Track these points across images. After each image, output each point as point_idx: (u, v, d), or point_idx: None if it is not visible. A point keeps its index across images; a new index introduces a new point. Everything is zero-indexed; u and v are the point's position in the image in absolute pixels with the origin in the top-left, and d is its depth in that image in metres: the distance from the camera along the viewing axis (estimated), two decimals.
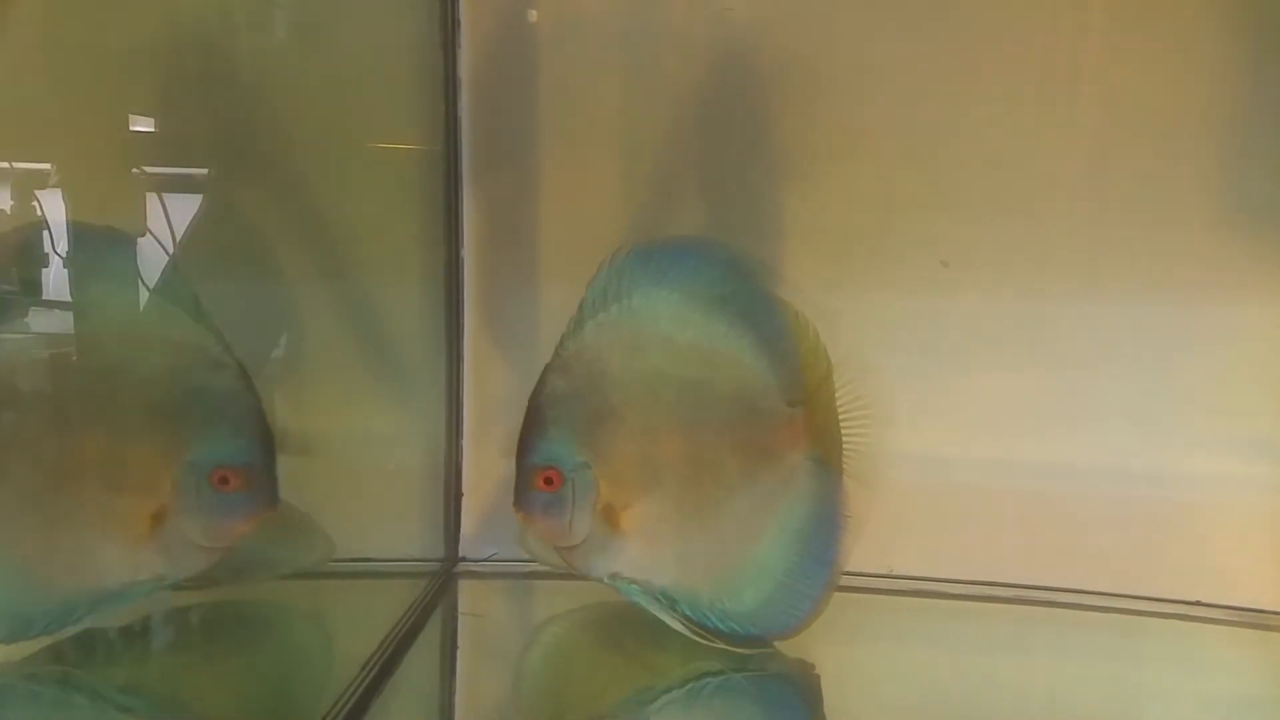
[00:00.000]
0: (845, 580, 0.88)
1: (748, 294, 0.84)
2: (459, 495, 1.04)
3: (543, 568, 1.00)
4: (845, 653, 0.89)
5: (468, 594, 1.01)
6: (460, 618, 0.97)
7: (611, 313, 0.81)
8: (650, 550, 0.81)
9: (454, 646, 0.93)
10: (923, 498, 0.96)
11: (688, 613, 0.82)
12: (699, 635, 0.82)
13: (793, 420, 0.84)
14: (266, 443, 0.79)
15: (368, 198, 0.98)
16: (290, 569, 0.88)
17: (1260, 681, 0.92)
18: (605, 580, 0.83)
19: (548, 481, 0.80)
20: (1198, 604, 0.98)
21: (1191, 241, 0.97)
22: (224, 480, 0.76)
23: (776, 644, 0.84)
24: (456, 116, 1.01)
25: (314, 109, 0.95)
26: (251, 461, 0.78)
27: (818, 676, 0.85)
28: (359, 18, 0.99)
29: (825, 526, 0.84)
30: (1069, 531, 0.99)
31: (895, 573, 1.00)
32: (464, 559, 1.05)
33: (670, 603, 0.82)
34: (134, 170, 0.84)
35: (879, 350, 0.88)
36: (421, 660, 0.86)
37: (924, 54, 0.98)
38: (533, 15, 1.01)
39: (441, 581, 1.01)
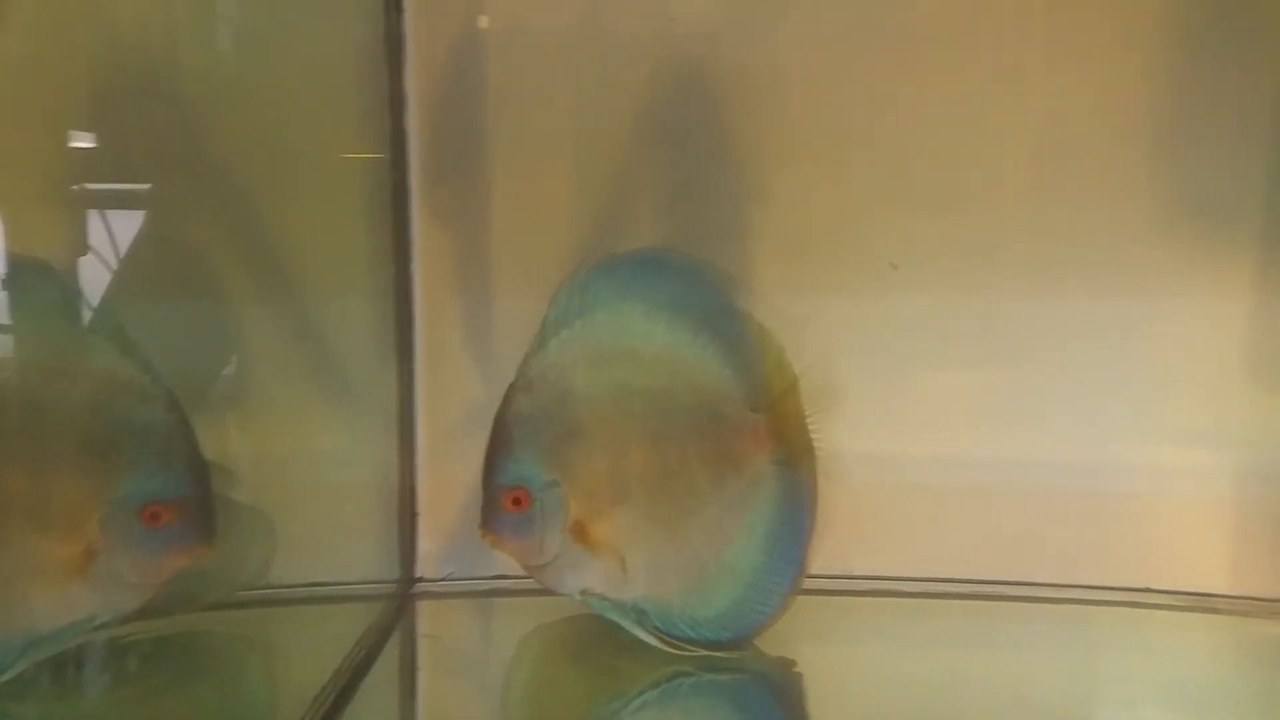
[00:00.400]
0: (804, 583, 0.89)
1: (709, 302, 0.85)
2: (414, 514, 1.03)
3: (503, 585, 1.01)
4: (808, 655, 0.89)
5: (427, 615, 1.00)
6: (420, 639, 0.95)
7: (575, 329, 0.81)
8: (618, 564, 0.82)
9: (414, 669, 0.91)
10: (878, 497, 0.96)
11: (658, 624, 0.82)
12: (671, 646, 0.82)
13: (757, 425, 0.85)
14: (200, 474, 0.77)
15: (313, 213, 0.96)
16: (235, 583, 0.85)
17: (1210, 663, 0.94)
18: (577, 596, 0.83)
19: (516, 502, 0.79)
20: (1147, 590, 1.00)
21: (1135, 237, 0.99)
22: (155, 515, 0.74)
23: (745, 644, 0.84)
24: (403, 129, 0.99)
25: (255, 123, 0.92)
26: (185, 494, 0.75)
27: (799, 675, 0.86)
28: (301, 31, 0.97)
29: (791, 527, 0.86)
30: (1022, 525, 1.01)
31: (853, 573, 1.00)
32: (421, 579, 1.03)
33: (641, 615, 0.83)
34: (66, 189, 0.81)
35: (832, 353, 0.88)
36: (380, 686, 0.84)
37: (871, 59, 0.99)
38: (482, 22, 1.00)
39: (398, 604, 0.99)
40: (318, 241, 0.96)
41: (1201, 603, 0.99)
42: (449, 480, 1.02)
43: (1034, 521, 1.00)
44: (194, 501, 0.76)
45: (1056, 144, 0.99)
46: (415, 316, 1.01)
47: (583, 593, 0.82)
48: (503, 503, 0.79)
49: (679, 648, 0.82)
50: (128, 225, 0.83)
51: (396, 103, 0.99)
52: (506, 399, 0.81)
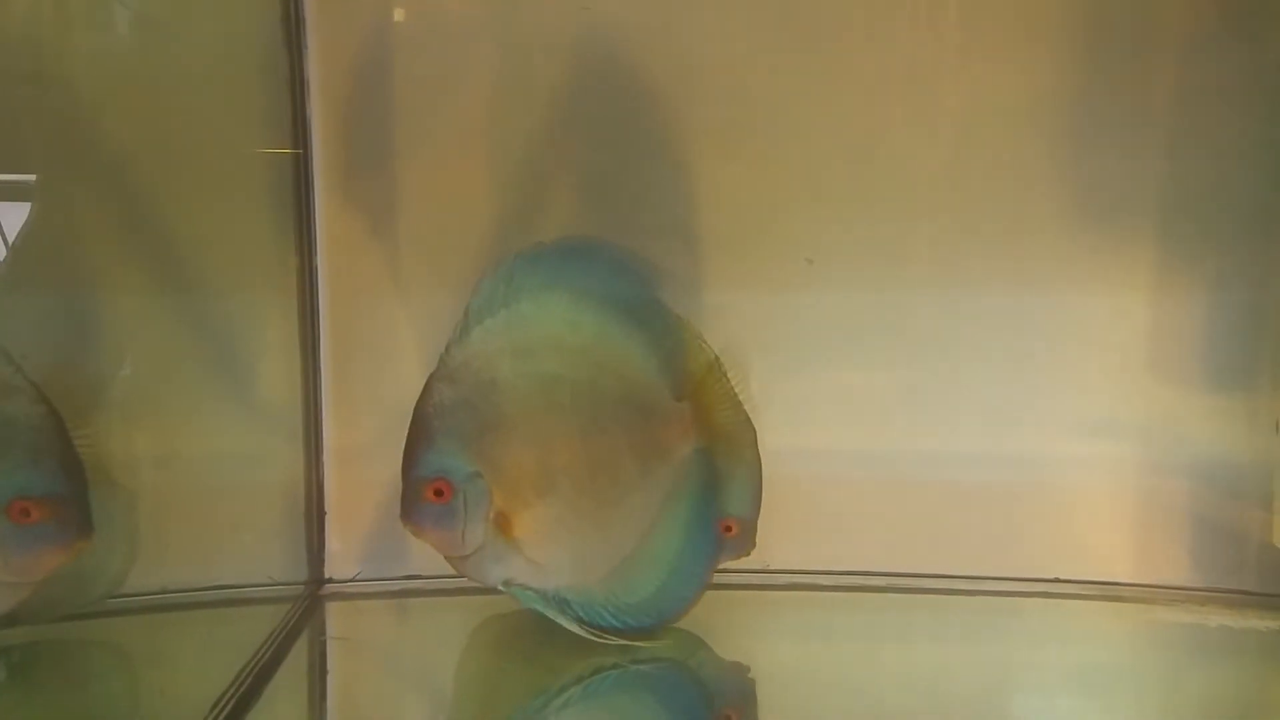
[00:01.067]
0: (722, 578, 0.90)
1: (634, 292, 0.85)
2: (321, 514, 1.00)
3: (415, 585, 1.00)
4: (726, 649, 0.89)
5: (336, 616, 0.97)
6: (329, 642, 0.93)
7: (500, 318, 0.80)
8: (544, 554, 0.81)
9: (323, 672, 0.89)
10: (794, 491, 0.96)
11: (581, 614, 0.82)
12: (594, 635, 0.82)
13: (681, 414, 0.86)
14: (73, 469, 0.73)
15: (213, 206, 0.93)
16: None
17: (1117, 649, 0.96)
18: (500, 587, 0.82)
19: (438, 493, 0.78)
20: (1056, 580, 1.01)
21: (1040, 234, 1.00)
22: (25, 512, 0.71)
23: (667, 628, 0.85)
24: (306, 118, 0.97)
25: (148, 112, 0.89)
26: (56, 490, 0.72)
27: (720, 667, 0.87)
28: (198, 19, 0.94)
29: (710, 511, 0.87)
30: (935, 518, 1.02)
31: (771, 568, 1.00)
32: (330, 580, 1.01)
33: (564, 604, 0.82)
34: None
35: (747, 347, 0.89)
36: (287, 690, 0.82)
37: (787, 53, 0.99)
38: (389, 10, 0.98)
39: (306, 605, 0.96)
40: (217, 235, 0.93)
41: (1108, 591, 1.01)
42: (358, 479, 1.00)
43: (946, 514, 1.02)
44: (67, 498, 0.73)
45: (967, 143, 1.00)
46: (320, 311, 0.99)
47: (505, 584, 0.81)
48: (424, 494, 0.78)
49: (603, 636, 0.82)
50: (9, 216, 0.79)
51: (298, 93, 0.96)
52: (427, 389, 0.79)
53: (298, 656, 0.87)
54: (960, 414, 1.02)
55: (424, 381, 0.96)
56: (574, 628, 0.82)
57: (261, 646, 0.85)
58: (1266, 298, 0.99)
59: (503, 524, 0.79)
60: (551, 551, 0.81)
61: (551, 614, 0.81)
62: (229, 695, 0.76)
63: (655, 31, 0.99)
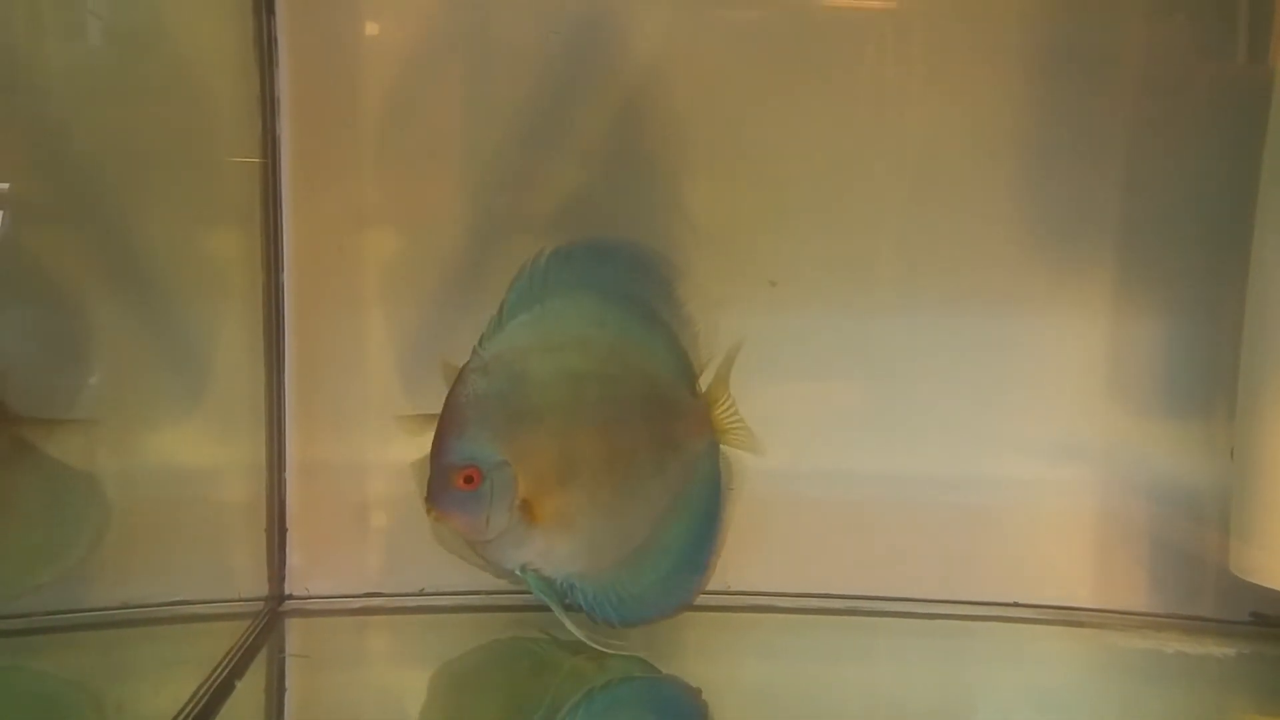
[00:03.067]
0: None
1: (657, 290, 0.89)
2: (283, 529, 1.00)
3: (375, 603, 1.00)
4: (686, 671, 0.90)
5: (296, 634, 0.97)
6: (288, 660, 0.92)
7: (533, 313, 0.83)
8: (561, 541, 0.84)
9: (281, 690, 0.88)
10: (754, 512, 0.96)
11: (585, 600, 0.86)
12: (592, 637, 0.85)
13: (697, 409, 0.90)
14: None
15: (174, 216, 0.93)
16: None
17: (1074, 674, 0.97)
18: (517, 572, 0.84)
19: (467, 480, 0.80)
20: (1015, 605, 1.02)
21: (1001, 258, 1.01)
22: None
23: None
24: (275, 129, 0.97)
25: (115, 121, 0.89)
26: None
27: (684, 690, 0.87)
28: (168, 28, 0.94)
29: (716, 504, 0.91)
30: (894, 540, 1.02)
31: (730, 589, 1.00)
32: (290, 596, 1.00)
33: (571, 589, 0.86)
34: None
35: (711, 369, 0.91)
36: (244, 708, 0.81)
37: (753, 75, 1.00)
38: (359, 23, 0.99)
39: (265, 622, 0.95)
40: (181, 246, 0.94)
41: (1067, 616, 1.01)
42: (321, 494, 1.00)
43: (904, 537, 1.02)
44: None
45: (930, 166, 1.01)
46: (285, 324, 0.99)
47: (522, 568, 0.84)
48: (453, 480, 0.80)
49: (596, 640, 0.85)
50: None
51: (268, 104, 0.96)
52: (461, 379, 0.82)
53: (256, 674, 0.86)
54: (920, 437, 1.02)
55: (389, 396, 0.99)
56: (571, 627, 0.85)
57: (220, 663, 0.84)
58: (1223, 324, 0.99)
59: (526, 511, 0.82)
60: (568, 538, 0.84)
61: (554, 607, 0.85)
62: (186, 712, 0.75)
63: (623, 54, 0.99)
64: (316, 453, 1.00)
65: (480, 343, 0.82)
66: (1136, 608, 1.01)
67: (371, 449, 1.00)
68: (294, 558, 1.00)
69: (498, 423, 0.82)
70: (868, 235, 1.02)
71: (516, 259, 0.96)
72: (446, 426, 0.82)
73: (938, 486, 1.02)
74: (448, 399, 0.82)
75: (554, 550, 0.84)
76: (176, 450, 0.94)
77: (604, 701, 0.84)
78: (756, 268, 1.01)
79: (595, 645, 0.85)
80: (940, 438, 1.02)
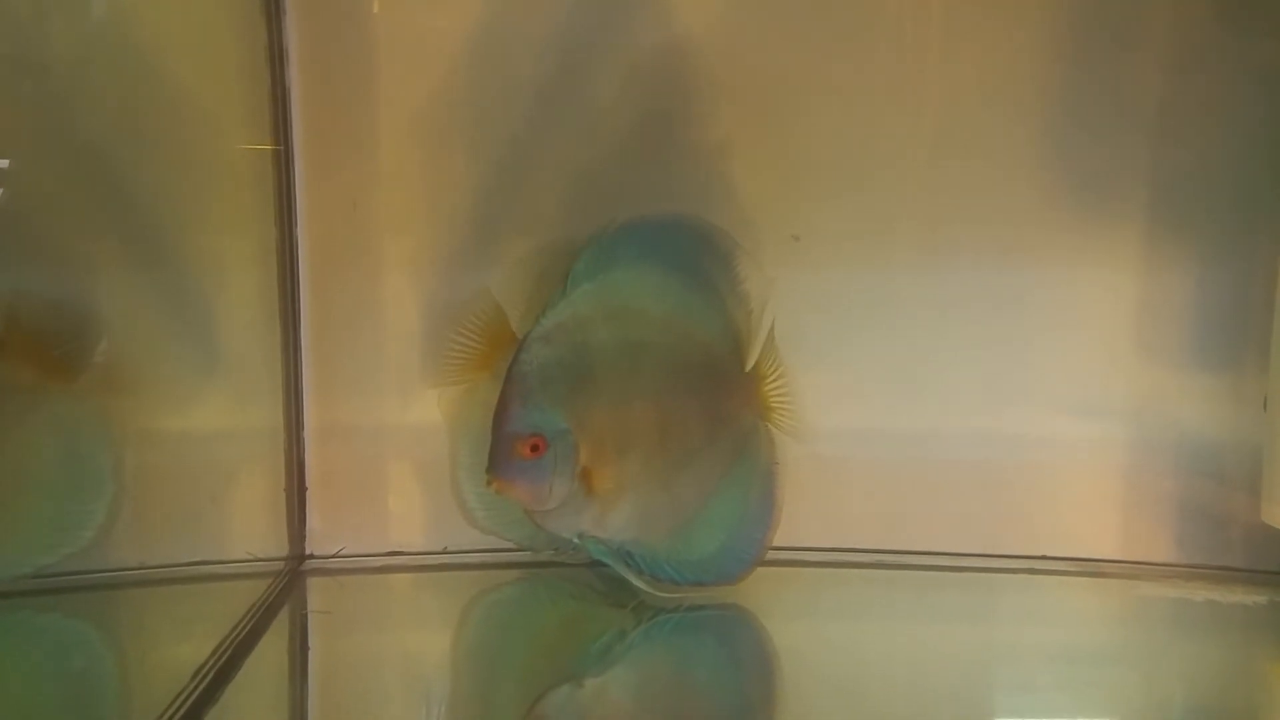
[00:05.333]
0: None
1: (717, 265, 0.90)
2: (303, 489, 0.99)
3: (396, 561, 1.00)
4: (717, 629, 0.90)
5: (317, 592, 0.96)
6: (310, 617, 0.92)
7: (596, 283, 0.84)
8: (616, 510, 0.85)
9: (305, 648, 0.88)
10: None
11: (643, 566, 0.87)
12: (656, 588, 0.86)
13: (748, 384, 0.91)
14: None
15: (188, 178, 0.92)
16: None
17: (1105, 625, 0.96)
18: (575, 540, 0.86)
19: (534, 449, 0.81)
20: (1044, 558, 1.01)
21: (1028, 212, 1.00)
22: None
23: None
24: (287, 90, 0.95)
25: (127, 91, 0.88)
26: None
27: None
28: None
29: (769, 479, 0.92)
30: (920, 496, 1.01)
31: None
32: (311, 556, 1.00)
33: (628, 557, 0.87)
34: None
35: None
36: (267, 664, 0.81)
37: (776, 37, 0.98)
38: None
39: (287, 581, 0.95)
40: (195, 208, 0.92)
41: (1094, 568, 1.01)
42: (340, 454, 0.99)
43: (931, 492, 1.01)
44: None
45: (954, 118, 1.00)
46: (300, 282, 0.98)
47: (580, 536, 0.85)
48: (518, 449, 0.81)
49: (664, 589, 0.87)
50: None
51: (276, 57, 0.95)
52: (524, 347, 0.82)
53: (279, 632, 0.86)
54: (946, 393, 1.02)
55: (404, 357, 0.99)
56: (638, 582, 0.86)
57: (241, 620, 0.84)
58: (1254, 276, 0.98)
59: (586, 480, 0.82)
60: (623, 507, 0.84)
61: (618, 567, 0.86)
62: (209, 666, 0.75)
63: (640, 12, 0.98)
64: (335, 413, 0.99)
65: (544, 311, 0.83)
66: (1165, 559, 1.01)
67: (390, 408, 1.00)
68: (314, 518, 1.00)
69: (561, 391, 0.82)
70: (891, 188, 1.01)
71: (537, 216, 0.99)
72: (510, 394, 0.81)
73: (964, 442, 1.02)
74: (511, 367, 0.82)
75: (608, 519, 0.84)
76: (195, 414, 0.93)
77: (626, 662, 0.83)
78: (778, 222, 0.99)
79: (659, 593, 0.86)
80: (967, 393, 1.02)
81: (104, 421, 0.84)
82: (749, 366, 0.92)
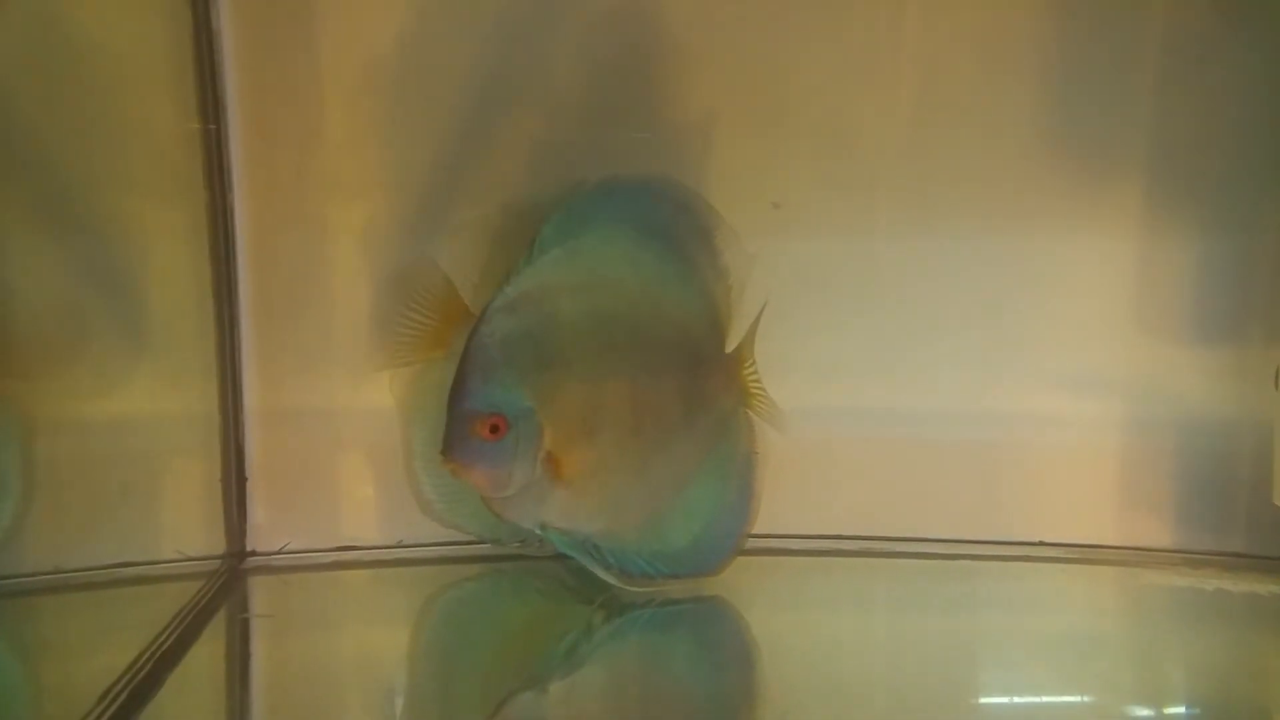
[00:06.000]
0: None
1: (696, 235, 0.85)
2: (242, 479, 0.93)
3: (347, 557, 0.94)
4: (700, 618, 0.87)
5: (260, 592, 0.91)
6: (252, 621, 0.86)
7: (566, 249, 0.79)
8: (584, 498, 0.80)
9: (244, 655, 0.83)
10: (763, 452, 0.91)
11: (612, 560, 0.82)
12: (627, 582, 0.82)
13: (729, 365, 0.86)
14: None
15: (106, 131, 0.84)
16: None
17: (1101, 616, 0.93)
18: (537, 530, 0.81)
19: (494, 430, 0.75)
20: (1040, 544, 0.98)
21: (1022, 177, 0.96)
22: None
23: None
24: (214, 28, 0.88)
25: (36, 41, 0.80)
26: None
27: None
28: None
29: (748, 467, 0.87)
30: (909, 478, 0.98)
31: None
32: (253, 553, 0.94)
33: (595, 550, 0.82)
34: None
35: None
36: (195, 676, 0.75)
37: None
38: None
39: (224, 580, 0.89)
40: (115, 166, 0.85)
41: (1094, 555, 0.97)
42: (283, 440, 0.94)
43: (921, 474, 0.98)
44: None
45: (942, 76, 0.96)
46: (238, 253, 0.91)
47: (543, 526, 0.80)
48: (477, 429, 0.75)
49: (635, 583, 0.82)
50: None
51: (205, 11, 0.88)
52: (485, 318, 0.77)
53: (214, 638, 0.80)
54: (936, 369, 0.98)
55: (353, 334, 0.93)
56: (608, 577, 0.82)
57: (166, 628, 0.77)
58: (1260, 244, 0.95)
59: (550, 465, 0.77)
60: (591, 496, 0.80)
61: (585, 561, 0.81)
62: (121, 684, 0.68)
63: None
64: (277, 396, 0.94)
65: (508, 279, 0.77)
66: (1167, 545, 0.97)
67: (339, 390, 0.94)
68: (257, 512, 0.94)
69: (525, 366, 0.76)
70: (875, 152, 0.97)
71: (498, 181, 0.93)
72: (469, 369, 0.76)
73: (954, 421, 0.98)
74: (470, 339, 0.76)
75: (576, 508, 0.79)
76: (118, 398, 0.86)
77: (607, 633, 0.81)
78: (758, 189, 0.95)
79: (629, 588, 0.82)
80: (956, 370, 0.98)
81: (7, 410, 0.76)
82: (729, 347, 0.87)
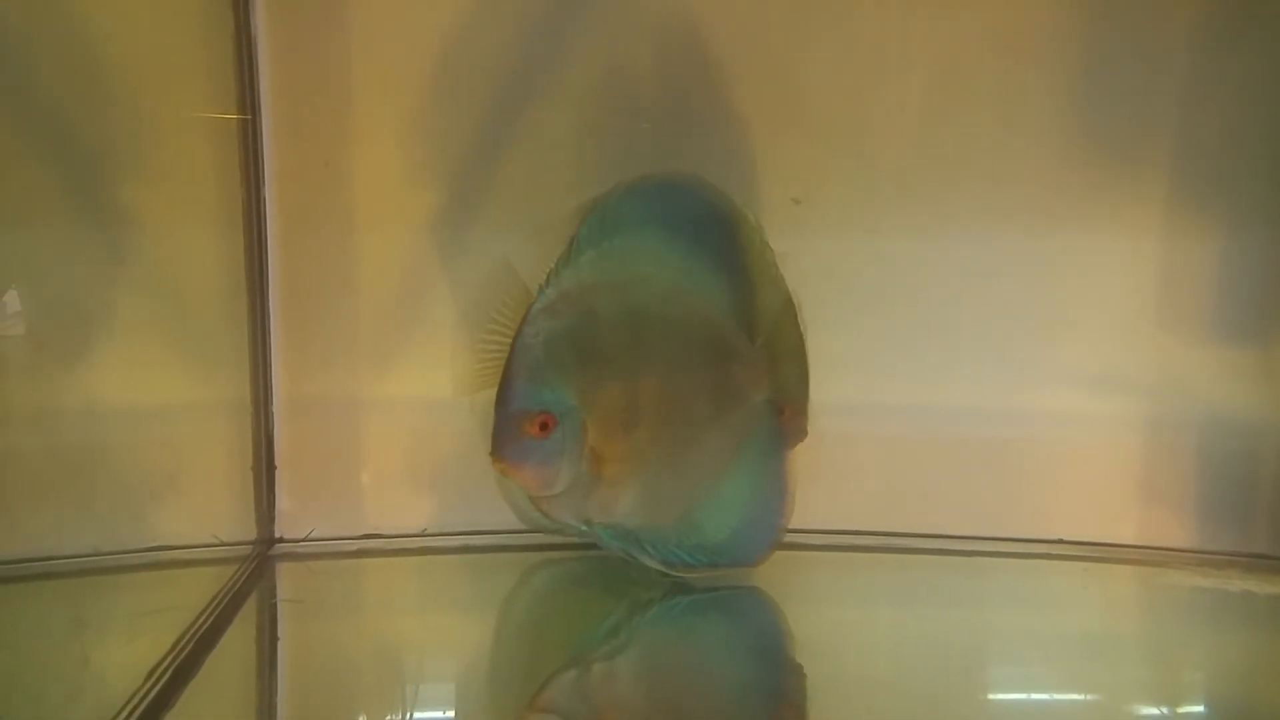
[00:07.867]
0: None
1: (724, 233, 0.85)
2: (271, 467, 0.94)
3: (371, 545, 0.95)
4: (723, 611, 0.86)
5: (288, 578, 0.92)
6: (280, 606, 0.87)
7: (600, 250, 0.80)
8: (623, 493, 0.80)
9: (274, 639, 0.83)
10: None
11: (652, 551, 0.83)
12: (672, 571, 0.83)
13: (757, 361, 0.86)
14: None
15: (146, 131, 0.85)
16: None
17: (1121, 616, 0.92)
18: (582, 527, 0.81)
19: (543, 427, 0.76)
20: (1059, 542, 0.97)
21: (1042, 173, 0.96)
22: None
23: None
24: (253, 41, 0.89)
25: (80, 39, 0.81)
26: None
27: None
28: None
29: (781, 460, 0.87)
30: (930, 475, 0.98)
31: None
32: (281, 539, 0.95)
33: (637, 544, 0.82)
34: None
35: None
36: (232, 659, 0.75)
37: None
38: None
39: (254, 566, 0.90)
40: (154, 164, 0.86)
41: (1113, 554, 0.97)
42: (311, 429, 0.95)
43: (941, 472, 0.98)
44: None
45: (964, 73, 0.95)
46: (269, 245, 0.92)
47: (588, 523, 0.81)
48: (527, 428, 0.76)
49: (679, 571, 0.83)
50: None
51: (244, 10, 0.89)
52: (529, 320, 0.78)
53: (245, 621, 0.81)
54: (957, 366, 0.97)
55: (380, 325, 0.93)
56: (656, 565, 0.82)
57: (204, 611, 0.79)
58: None
59: (594, 461, 0.78)
60: (630, 490, 0.80)
61: (634, 553, 0.82)
62: (165, 664, 0.70)
63: None
64: (306, 385, 0.94)
65: (547, 280, 0.78)
66: (1189, 545, 0.97)
67: (366, 380, 0.95)
68: (284, 499, 0.95)
69: (568, 365, 0.77)
70: (897, 150, 0.96)
71: (518, 176, 0.94)
72: (515, 370, 0.77)
73: (975, 419, 0.98)
74: (515, 340, 0.77)
75: (616, 503, 0.80)
76: (152, 387, 0.87)
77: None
78: (778, 184, 0.95)
79: (674, 574, 0.83)
80: (977, 367, 0.98)
81: None
82: (760, 341, 0.87)
